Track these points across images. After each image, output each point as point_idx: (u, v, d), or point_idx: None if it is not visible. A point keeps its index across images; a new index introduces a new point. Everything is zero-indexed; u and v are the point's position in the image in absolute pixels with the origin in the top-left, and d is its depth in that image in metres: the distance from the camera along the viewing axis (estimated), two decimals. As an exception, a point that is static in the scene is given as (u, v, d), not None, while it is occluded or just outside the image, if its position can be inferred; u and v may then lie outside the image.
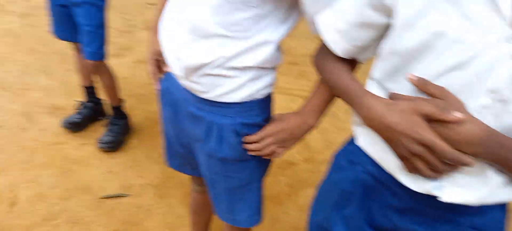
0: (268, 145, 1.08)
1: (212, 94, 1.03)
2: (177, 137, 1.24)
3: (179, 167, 1.37)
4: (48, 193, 2.01)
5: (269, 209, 2.09)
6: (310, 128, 1.07)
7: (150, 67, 1.27)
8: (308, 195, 2.24)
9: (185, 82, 1.06)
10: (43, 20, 3.60)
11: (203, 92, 1.03)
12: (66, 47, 3.22)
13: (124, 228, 1.91)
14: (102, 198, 2.04)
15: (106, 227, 1.90)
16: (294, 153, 2.53)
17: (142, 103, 2.78)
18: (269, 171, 1.25)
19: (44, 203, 1.96)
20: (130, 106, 2.60)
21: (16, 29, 3.39)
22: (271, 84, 1.09)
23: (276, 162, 2.41)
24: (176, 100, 1.15)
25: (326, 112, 1.07)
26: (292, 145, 1.10)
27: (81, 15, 2.01)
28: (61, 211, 1.93)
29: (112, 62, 2.78)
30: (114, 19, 3.64)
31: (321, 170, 2.44)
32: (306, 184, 2.32)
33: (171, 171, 2.28)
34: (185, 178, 2.23)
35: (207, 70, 0.99)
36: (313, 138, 2.69)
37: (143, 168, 2.27)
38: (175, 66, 1.05)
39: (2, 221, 1.84)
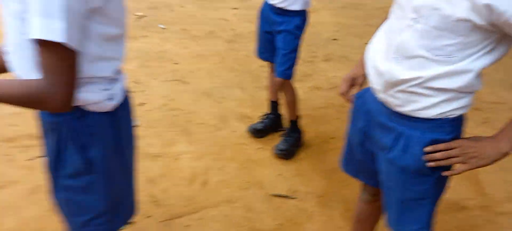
0: (453, 156, 1.11)
1: (406, 109, 1.14)
2: (361, 145, 1.37)
3: (353, 173, 1.50)
4: (231, 181, 2.40)
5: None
6: (502, 155, 1.07)
7: (343, 86, 1.43)
8: (477, 242, 2.07)
9: (382, 96, 1.19)
10: (243, 46, 4.28)
11: (398, 106, 1.15)
12: (258, 69, 3.76)
13: (288, 225, 2.13)
14: (272, 195, 2.32)
15: (273, 219, 2.15)
16: (468, 198, 2.36)
17: (314, 124, 3.03)
18: (443, 195, 1.27)
19: (228, 188, 2.34)
20: (304, 124, 2.86)
21: (222, 51, 4.13)
22: (466, 106, 1.12)
23: (447, 203, 2.30)
24: (369, 111, 1.29)
25: None
26: (477, 165, 1.11)
27: (280, 40, 2.39)
28: (239, 198, 2.28)
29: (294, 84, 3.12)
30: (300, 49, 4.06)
31: (498, 221, 2.21)
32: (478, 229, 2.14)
33: (334, 185, 2.42)
34: (348, 195, 2.34)
35: (404, 87, 1.11)
36: (493, 184, 2.46)
37: (309, 178, 2.48)
38: (376, 81, 1.19)
39: (196, 196, 2.28)
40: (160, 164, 2.46)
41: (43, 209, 2.04)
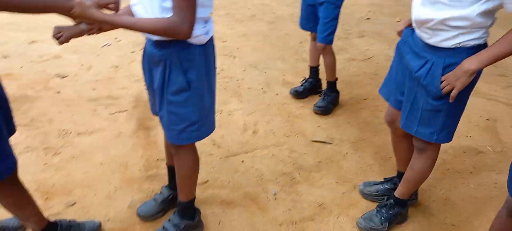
0: (450, 82, 1.54)
1: (432, 41, 1.58)
2: (396, 75, 1.82)
3: (385, 95, 1.94)
4: (277, 130, 2.83)
5: (451, 177, 2.37)
6: (470, 71, 1.49)
7: (400, 27, 1.86)
8: (491, 177, 2.39)
9: (417, 31, 1.65)
10: (283, 26, 4.69)
11: (427, 38, 1.59)
12: (297, 45, 4.16)
13: (326, 162, 2.53)
14: (312, 141, 2.73)
15: (313, 158, 2.56)
16: (485, 145, 2.68)
17: (349, 88, 3.40)
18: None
19: (274, 136, 2.77)
20: (340, 88, 3.24)
21: (264, 31, 4.56)
22: (478, 38, 1.51)
23: (467, 148, 2.63)
24: (406, 43, 1.74)
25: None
26: (461, 85, 1.52)
27: (322, 10, 2.78)
28: (284, 142, 2.70)
29: (331, 54, 3.51)
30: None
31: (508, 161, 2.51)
32: (491, 168, 2.47)
33: (366, 134, 2.80)
34: (378, 141, 2.72)
35: (430, 25, 1.54)
36: (509, 135, 2.76)
37: (344, 128, 2.86)
38: (414, 21, 1.64)
39: (248, 140, 2.72)
40: (217, 117, 2.92)
41: (125, 149, 2.55)
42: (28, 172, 2.27)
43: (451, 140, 1.73)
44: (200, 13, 1.45)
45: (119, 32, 4.05)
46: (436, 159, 1.83)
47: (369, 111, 3.09)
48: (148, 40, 1.58)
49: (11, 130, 1.57)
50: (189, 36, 1.41)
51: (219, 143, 2.66)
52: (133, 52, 3.81)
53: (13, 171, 1.52)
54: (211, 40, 1.60)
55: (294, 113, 3.03)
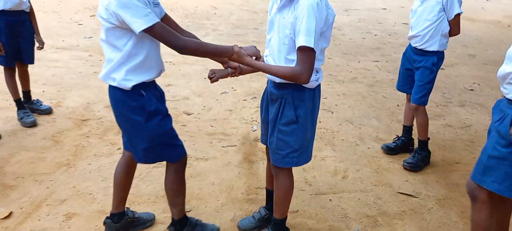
0: None
1: (509, 95, 1.84)
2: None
3: None
4: (365, 179, 3.08)
5: None
6: None
7: None
8: None
9: (501, 89, 1.91)
10: (382, 89, 4.97)
11: (507, 94, 1.86)
12: (394, 107, 4.40)
13: (410, 213, 2.70)
14: (398, 192, 2.92)
15: (397, 207, 2.75)
16: None
17: (442, 151, 3.52)
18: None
19: (362, 183, 3.03)
20: (432, 151, 3.37)
21: (363, 92, 4.89)
22: None
23: None
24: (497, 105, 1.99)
25: None
26: None
27: (418, 74, 3.09)
28: (371, 190, 2.94)
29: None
30: (434, 95, 4.58)
31: None
32: None
33: (454, 194, 2.91)
34: (466, 202, 2.80)
35: (508, 79, 1.82)
36: None
37: (432, 186, 3.00)
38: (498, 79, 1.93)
39: (337, 184, 3.01)
40: (311, 162, 3.29)
41: (232, 175, 3.04)
42: (159, 182, 2.88)
43: None
44: (316, 64, 1.91)
45: (235, 83, 4.76)
46: None
47: (460, 174, 3.17)
48: (270, 82, 2.08)
49: None
50: (307, 82, 1.88)
51: (310, 181, 3.01)
52: (245, 100, 4.44)
53: (182, 160, 2.11)
54: (319, 86, 2.04)
55: (384, 167, 3.26)
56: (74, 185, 2.79)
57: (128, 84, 1.88)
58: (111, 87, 1.95)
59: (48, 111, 3.79)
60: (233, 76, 2.13)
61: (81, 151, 3.23)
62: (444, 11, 2.98)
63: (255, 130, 3.75)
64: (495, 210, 1.98)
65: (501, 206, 2.03)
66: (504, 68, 1.83)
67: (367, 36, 7.81)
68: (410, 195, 2.89)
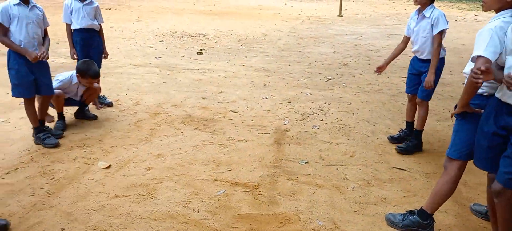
0: None
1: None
2: (492, 135, 2.29)
3: (488, 168, 2.42)
4: (369, 158, 3.90)
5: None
6: None
7: None
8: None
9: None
10: (402, 99, 5.72)
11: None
12: (399, 109, 5.16)
13: (398, 181, 3.48)
14: (393, 167, 3.71)
15: (390, 176, 3.54)
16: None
17: (433, 140, 4.24)
18: None
19: (366, 160, 3.85)
20: (424, 138, 4.11)
21: (385, 101, 5.67)
22: None
23: None
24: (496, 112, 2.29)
25: None
26: None
27: (424, 77, 3.88)
28: (371, 165, 3.75)
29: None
30: (435, 103, 5.26)
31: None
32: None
33: (440, 170, 3.63)
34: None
35: None
36: None
37: (422, 165, 3.76)
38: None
39: (344, 160, 3.85)
40: (326, 146, 4.17)
41: (264, 151, 3.99)
42: (211, 154, 3.91)
43: None
44: None
45: (275, 91, 5.78)
46: None
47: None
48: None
49: None
50: None
51: (324, 157, 3.89)
52: (281, 103, 5.42)
53: None
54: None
55: (386, 151, 4.06)
56: (151, 152, 3.91)
57: None
58: None
59: (110, 105, 5.12)
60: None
61: (155, 132, 4.38)
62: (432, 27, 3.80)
63: (286, 124, 4.70)
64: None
65: None
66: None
67: (401, 57, 8.49)
68: (402, 169, 3.67)
